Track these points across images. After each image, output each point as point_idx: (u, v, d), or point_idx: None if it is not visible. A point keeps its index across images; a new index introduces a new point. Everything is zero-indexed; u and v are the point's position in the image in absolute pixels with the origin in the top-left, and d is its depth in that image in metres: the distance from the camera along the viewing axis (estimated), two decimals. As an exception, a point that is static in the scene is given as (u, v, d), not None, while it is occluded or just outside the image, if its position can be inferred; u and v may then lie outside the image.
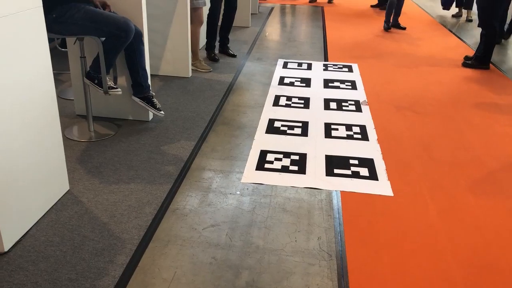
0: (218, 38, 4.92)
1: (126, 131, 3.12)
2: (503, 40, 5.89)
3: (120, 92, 2.94)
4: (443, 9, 7.67)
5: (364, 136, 3.18)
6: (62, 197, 2.33)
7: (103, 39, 2.73)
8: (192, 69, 4.34)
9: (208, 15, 4.65)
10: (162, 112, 3.21)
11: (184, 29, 4.04)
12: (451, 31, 6.66)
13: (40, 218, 2.16)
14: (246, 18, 6.32)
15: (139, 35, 2.90)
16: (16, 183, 1.97)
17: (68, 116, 3.31)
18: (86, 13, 2.64)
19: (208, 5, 4.55)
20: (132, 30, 2.73)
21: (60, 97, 3.63)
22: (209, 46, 4.80)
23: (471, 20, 7.30)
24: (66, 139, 2.93)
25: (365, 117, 3.50)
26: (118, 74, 3.10)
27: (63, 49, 3.82)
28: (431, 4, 9.00)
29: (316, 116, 3.49)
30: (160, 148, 2.90)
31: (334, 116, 3.51)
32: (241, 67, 4.65)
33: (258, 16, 7.09)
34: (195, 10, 4.16)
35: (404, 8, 6.79)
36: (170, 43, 4.12)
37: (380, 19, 7.15)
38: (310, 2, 8.55)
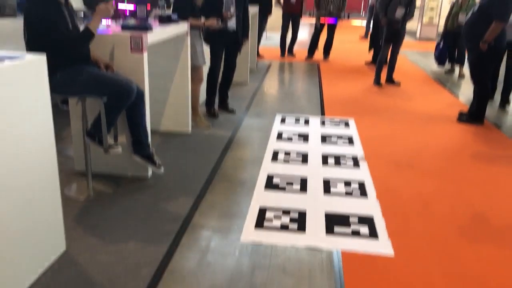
0: (217, 94, 5.04)
1: (125, 188, 3.12)
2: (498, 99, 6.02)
3: (120, 151, 2.97)
4: (438, 64, 7.87)
5: (363, 193, 3.18)
6: (58, 257, 2.29)
7: (105, 98, 2.79)
8: (192, 125, 4.40)
9: (208, 73, 4.78)
10: (162, 169, 3.23)
11: (185, 86, 4.15)
12: (445, 87, 6.84)
13: (35, 280, 2.11)
14: (244, 75, 6.50)
15: (140, 95, 2.97)
16: (11, 243, 1.95)
17: (67, 173, 3.32)
18: (90, 74, 2.72)
19: (208, 63, 4.70)
20: (133, 91, 2.80)
21: (61, 153, 3.65)
22: (209, 102, 4.90)
23: (463, 76, 7.52)
24: (64, 197, 2.92)
25: (363, 173, 3.52)
26: (119, 131, 3.15)
27: (64, 107, 3.89)
28: (424, 60, 9.30)
29: (315, 172, 3.50)
30: (158, 206, 2.89)
31: (333, 172, 3.53)
32: (240, 122, 4.73)
33: (256, 73, 7.29)
34: (195, 69, 4.29)
35: (398, 64, 7.00)
36: (171, 100, 4.21)
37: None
38: (306, 59, 8.83)
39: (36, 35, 2.63)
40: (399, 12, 6.38)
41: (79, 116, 3.04)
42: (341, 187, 3.26)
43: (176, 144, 4.01)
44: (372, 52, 8.53)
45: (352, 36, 13.19)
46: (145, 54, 3.05)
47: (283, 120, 4.84)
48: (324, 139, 4.29)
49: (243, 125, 4.66)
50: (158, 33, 3.31)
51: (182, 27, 3.86)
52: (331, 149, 4.04)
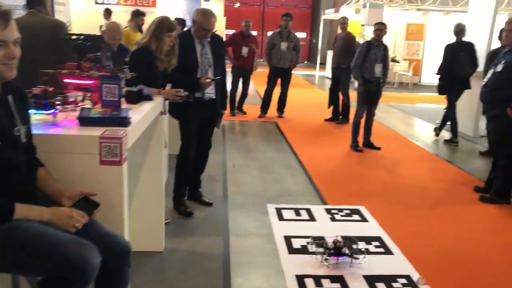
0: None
1: None
2: None
3: None
4: None
5: None
6: None
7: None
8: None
9: (178, 157, 3.54)
10: None
11: (158, 186, 2.85)
12: (429, 151, 6.18)
13: None
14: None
15: (125, 254, 1.64)
16: None
17: None
18: (24, 235, 1.36)
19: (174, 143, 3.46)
20: (93, 268, 1.46)
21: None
22: (179, 195, 3.61)
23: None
24: None
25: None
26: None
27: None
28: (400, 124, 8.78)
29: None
30: None
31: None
32: (225, 223, 3.48)
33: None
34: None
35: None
36: (136, 207, 2.87)
37: (343, 135, 6.49)
38: (259, 117, 7.83)
39: None
40: (378, 69, 5.67)
41: None
42: None
43: (149, 274, 2.66)
44: (331, 108, 7.76)
45: (299, 87, 12.50)
46: (125, 167, 1.77)
47: (279, 215, 3.68)
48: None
49: (231, 227, 3.41)
50: (137, 123, 2.04)
51: (157, 105, 2.62)
52: (371, 265, 2.92)
